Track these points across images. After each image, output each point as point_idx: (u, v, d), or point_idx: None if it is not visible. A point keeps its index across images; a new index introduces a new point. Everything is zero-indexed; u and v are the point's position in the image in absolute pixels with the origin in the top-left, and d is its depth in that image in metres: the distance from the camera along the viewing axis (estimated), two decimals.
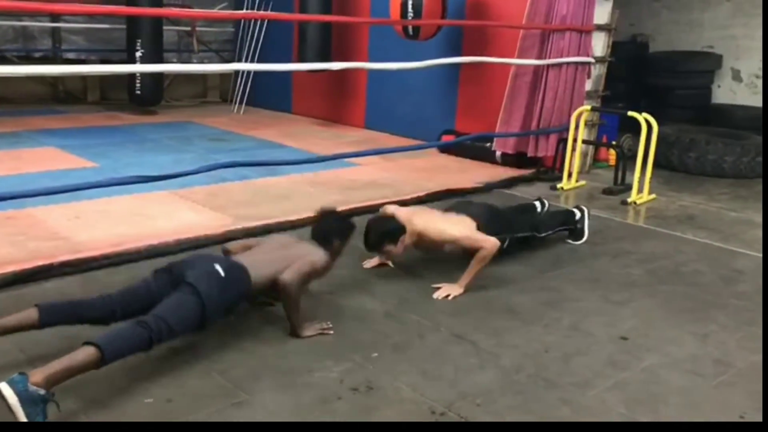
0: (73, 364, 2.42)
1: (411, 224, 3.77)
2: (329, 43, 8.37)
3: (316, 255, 3.25)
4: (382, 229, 3.69)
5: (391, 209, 4.03)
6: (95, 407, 2.53)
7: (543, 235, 4.42)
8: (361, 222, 4.62)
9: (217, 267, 2.97)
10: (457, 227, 3.81)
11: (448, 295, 3.66)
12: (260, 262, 3.15)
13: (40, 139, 7.12)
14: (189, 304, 2.82)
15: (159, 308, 2.76)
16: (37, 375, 2.34)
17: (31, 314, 2.77)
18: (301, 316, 3.17)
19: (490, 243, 3.71)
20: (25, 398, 2.27)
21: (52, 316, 2.80)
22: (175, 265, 3.02)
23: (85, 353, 2.46)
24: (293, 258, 3.18)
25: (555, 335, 3.33)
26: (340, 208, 5.02)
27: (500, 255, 3.90)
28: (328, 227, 3.44)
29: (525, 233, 4.29)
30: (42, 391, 2.31)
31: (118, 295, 2.93)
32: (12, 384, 2.28)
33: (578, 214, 4.67)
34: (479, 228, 3.90)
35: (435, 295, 3.67)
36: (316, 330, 3.19)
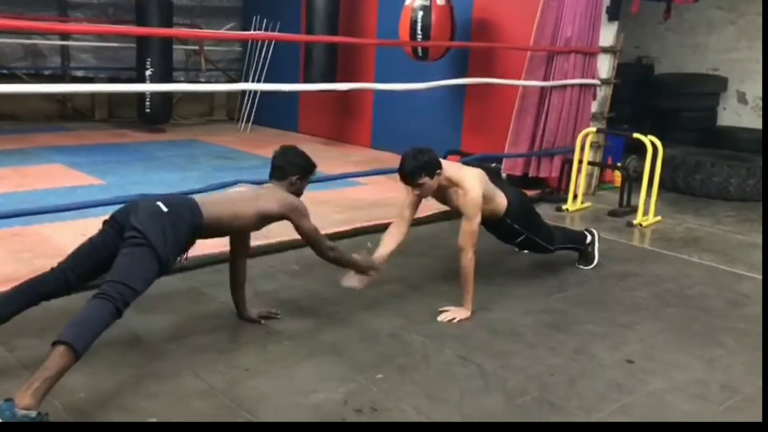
0: (51, 372, 2.35)
1: (451, 171, 3.71)
2: (336, 63, 8.42)
3: (286, 200, 3.19)
4: (423, 159, 3.56)
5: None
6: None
7: (554, 248, 4.38)
8: (364, 241, 4.62)
9: (160, 204, 2.87)
10: (477, 216, 3.66)
11: (453, 318, 3.64)
12: (216, 201, 3.10)
13: (47, 156, 7.16)
14: (142, 256, 2.73)
15: (114, 272, 2.68)
16: (24, 397, 2.28)
17: None
18: (349, 258, 3.40)
19: (468, 254, 3.64)
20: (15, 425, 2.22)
21: (8, 306, 2.80)
22: (119, 212, 2.92)
23: (58, 355, 2.39)
24: (257, 197, 3.15)
25: (560, 358, 3.31)
26: (345, 227, 5.06)
27: (518, 248, 4.20)
28: (286, 162, 3.32)
29: (541, 241, 4.25)
30: (33, 414, 2.26)
31: (68, 262, 2.90)
32: None
33: (589, 238, 4.65)
34: (507, 213, 3.95)
35: (440, 318, 3.64)
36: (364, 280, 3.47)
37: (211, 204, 3.05)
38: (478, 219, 3.68)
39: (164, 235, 2.79)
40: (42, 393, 2.33)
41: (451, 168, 3.77)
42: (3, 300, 2.83)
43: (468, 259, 3.64)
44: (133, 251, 2.73)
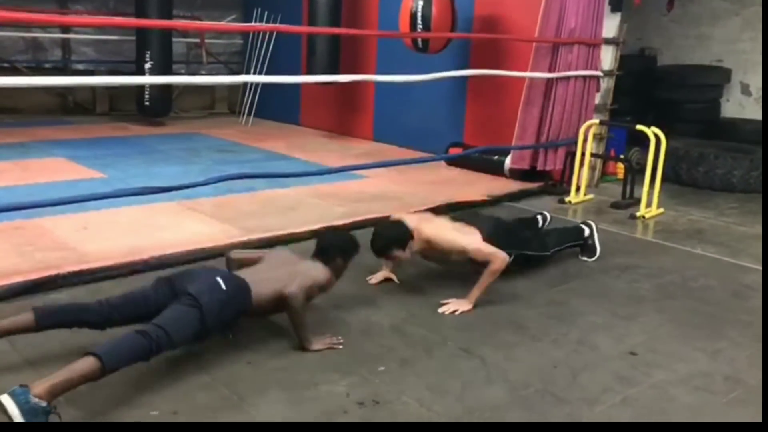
0: (73, 375, 2.41)
1: (420, 231, 3.73)
2: (338, 55, 8.39)
3: (319, 271, 3.25)
4: (390, 234, 3.65)
5: (399, 215, 3.99)
6: (101, 419, 2.51)
7: (551, 252, 4.37)
8: (367, 235, 4.62)
9: (219, 280, 2.97)
10: (467, 238, 3.78)
11: (455, 311, 3.63)
12: (263, 279, 3.13)
13: (48, 150, 7.15)
14: (189, 315, 2.81)
15: (160, 318, 2.75)
16: (39, 387, 2.32)
17: (28, 317, 2.79)
18: (308, 329, 3.15)
19: (499, 257, 3.69)
20: (27, 410, 2.26)
21: (49, 318, 2.81)
22: (177, 276, 3.02)
23: (86, 364, 2.45)
24: (296, 275, 3.16)
25: (563, 350, 3.30)
26: (347, 220, 5.05)
27: (505, 271, 3.86)
28: (330, 244, 3.42)
29: (534, 251, 4.24)
30: (44, 403, 2.30)
31: (116, 301, 2.93)
32: (13, 396, 2.27)
33: (587, 231, 4.63)
34: (485, 241, 3.87)
35: (441, 310, 3.64)
36: (325, 344, 3.16)
37: (260, 283, 3.08)
38: (488, 248, 3.71)
39: (217, 310, 2.88)
40: (58, 391, 2.36)
41: (423, 230, 3.74)
42: (49, 312, 2.85)
43: (501, 261, 3.67)
44: (185, 309, 2.82)
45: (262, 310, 3.18)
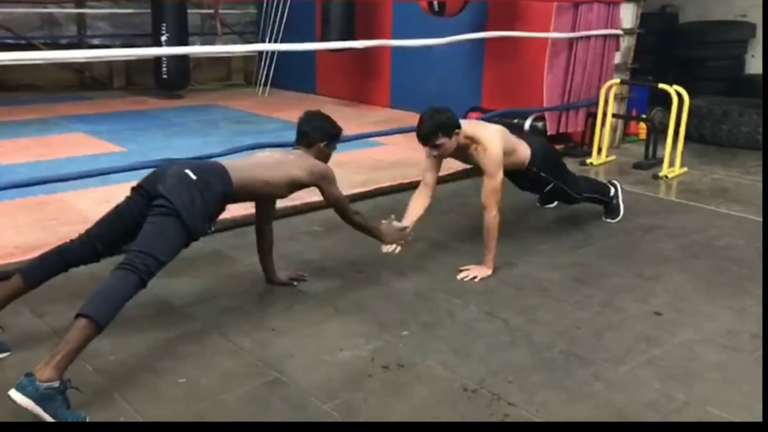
0: (72, 345, 2.33)
1: (469, 128, 3.66)
2: (353, 22, 8.30)
3: (315, 169, 3.15)
4: (440, 119, 3.51)
5: None
6: (128, 388, 2.55)
7: (581, 196, 4.32)
8: (386, 202, 4.61)
9: (188, 172, 2.79)
10: (499, 173, 3.60)
11: (474, 277, 3.61)
12: (245, 167, 3.01)
13: (68, 125, 7.19)
14: (168, 226, 2.68)
15: (139, 241, 2.63)
16: (44, 370, 2.25)
17: (16, 281, 2.77)
18: (371, 225, 3.38)
19: (492, 213, 3.59)
20: (39, 399, 2.20)
21: (35, 274, 2.79)
22: (147, 181, 2.86)
23: (80, 328, 2.35)
24: (287, 163, 3.10)
25: (587, 311, 3.29)
26: (365, 189, 5.04)
27: (542, 200, 4.21)
28: (312, 128, 3.30)
29: (569, 189, 4.21)
30: (55, 384, 2.24)
31: (94, 229, 2.86)
32: (21, 389, 2.20)
33: (612, 190, 4.58)
34: (532, 162, 3.92)
35: (460, 277, 3.60)
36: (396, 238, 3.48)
37: (240, 170, 2.97)
38: (500, 176, 3.63)
39: (192, 204, 2.72)
40: (63, 366, 2.30)
41: (469, 126, 3.72)
42: (32, 267, 2.83)
43: (492, 217, 3.60)
44: (159, 220, 2.68)
45: (249, 196, 3.09)
